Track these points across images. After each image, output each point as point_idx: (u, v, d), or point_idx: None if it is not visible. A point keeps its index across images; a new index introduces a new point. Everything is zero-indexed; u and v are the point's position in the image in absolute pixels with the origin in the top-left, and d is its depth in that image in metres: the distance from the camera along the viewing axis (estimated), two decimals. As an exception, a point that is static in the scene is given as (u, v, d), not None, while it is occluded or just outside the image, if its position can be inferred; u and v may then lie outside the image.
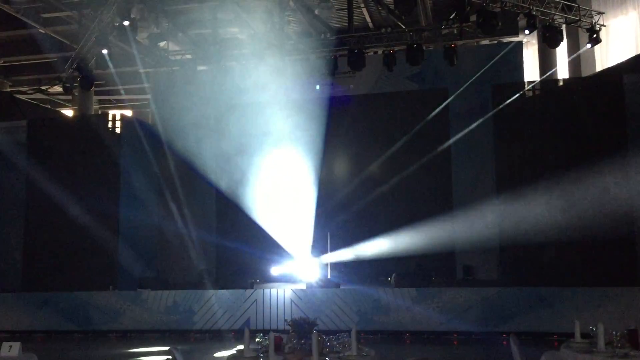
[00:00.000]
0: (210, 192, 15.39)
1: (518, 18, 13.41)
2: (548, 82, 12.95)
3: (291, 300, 11.20)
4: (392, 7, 12.28)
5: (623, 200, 10.83)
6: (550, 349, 4.98)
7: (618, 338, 4.79)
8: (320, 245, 13.39)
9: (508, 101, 11.74)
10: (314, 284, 11.97)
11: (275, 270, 13.86)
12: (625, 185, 10.83)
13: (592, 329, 4.94)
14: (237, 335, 10.89)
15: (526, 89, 12.03)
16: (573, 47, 13.58)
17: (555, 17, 11.68)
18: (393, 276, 11.86)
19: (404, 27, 13.24)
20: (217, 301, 11.38)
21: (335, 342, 4.85)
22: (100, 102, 20.42)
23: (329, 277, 12.72)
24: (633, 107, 11.10)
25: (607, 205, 10.90)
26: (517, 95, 11.86)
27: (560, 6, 11.69)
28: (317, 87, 14.50)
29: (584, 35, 12.23)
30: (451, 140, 14.27)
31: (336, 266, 13.26)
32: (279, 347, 4.65)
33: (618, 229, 10.77)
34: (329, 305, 11.00)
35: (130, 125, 13.70)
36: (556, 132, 11.37)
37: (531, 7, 11.39)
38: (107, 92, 19.83)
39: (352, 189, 14.33)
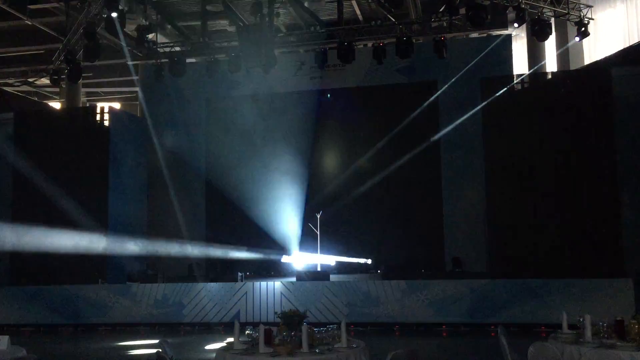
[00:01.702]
0: (199, 185, 15.36)
1: (507, 11, 13.40)
2: (537, 75, 13.01)
3: (281, 292, 11.22)
4: (382, -1, 12.27)
5: (610, 192, 10.93)
6: (538, 340, 5.02)
7: (605, 329, 4.85)
8: (310, 238, 13.41)
9: (497, 94, 11.78)
10: (303, 274, 11.99)
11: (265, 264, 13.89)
12: (612, 178, 10.92)
13: (579, 320, 4.99)
14: (226, 328, 10.90)
15: (515, 82, 12.07)
16: (562, 41, 13.63)
17: (544, 10, 11.71)
18: (382, 268, 11.91)
19: (393, 19, 13.23)
20: (207, 294, 11.38)
21: (325, 334, 4.88)
22: (88, 94, 20.25)
23: (318, 268, 12.74)
24: (621, 99, 11.19)
25: (594, 197, 11.00)
26: (505, 88, 11.91)
27: (549, -1, 11.74)
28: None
29: (572, 29, 12.27)
30: (440, 133, 14.31)
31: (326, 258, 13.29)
32: (269, 340, 4.66)
33: (605, 221, 10.88)
34: (318, 297, 11.03)
35: (119, 118, 13.62)
36: (544, 125, 11.43)
37: (520, 1, 11.41)
38: (95, 85, 19.68)
39: (341, 181, 14.36)
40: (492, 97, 11.74)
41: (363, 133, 14.62)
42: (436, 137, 14.33)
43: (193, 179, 15.27)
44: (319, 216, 13.03)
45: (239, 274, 12.16)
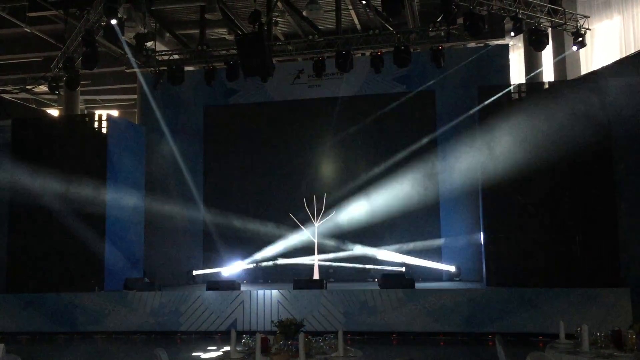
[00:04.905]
0: (197, 192, 15.37)
1: (504, 21, 13.50)
2: (534, 84, 13.06)
3: (278, 301, 11.18)
4: (380, 9, 12.31)
5: (607, 201, 10.94)
6: (535, 349, 5.03)
7: (602, 339, 4.85)
8: (309, 242, 13.42)
9: (494, 103, 11.81)
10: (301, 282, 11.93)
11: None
12: (609, 187, 10.94)
13: (576, 330, 4.98)
14: (223, 337, 10.86)
15: (512, 91, 12.11)
16: (558, 50, 13.70)
17: (541, 20, 11.79)
18: (380, 277, 11.89)
19: (391, 29, 13.28)
20: (204, 302, 11.34)
21: (322, 343, 4.86)
22: (86, 101, 20.28)
23: (315, 277, 12.73)
24: (617, 109, 11.21)
25: (591, 206, 11.01)
26: (503, 97, 11.94)
27: (546, 10, 11.80)
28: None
29: (569, 39, 12.34)
30: (437, 142, 14.35)
31: (323, 265, 13.30)
32: (265, 348, 4.65)
33: (602, 230, 10.88)
34: (315, 306, 11.00)
35: (117, 125, 13.60)
36: (541, 134, 11.44)
37: (517, 11, 11.48)
38: (94, 92, 19.70)
39: (338, 191, 14.37)
40: (490, 106, 11.77)
41: (361, 142, 14.65)
42: (433, 146, 14.36)
43: (191, 187, 15.26)
44: (317, 225, 13.06)
45: (237, 281, 12.13)
